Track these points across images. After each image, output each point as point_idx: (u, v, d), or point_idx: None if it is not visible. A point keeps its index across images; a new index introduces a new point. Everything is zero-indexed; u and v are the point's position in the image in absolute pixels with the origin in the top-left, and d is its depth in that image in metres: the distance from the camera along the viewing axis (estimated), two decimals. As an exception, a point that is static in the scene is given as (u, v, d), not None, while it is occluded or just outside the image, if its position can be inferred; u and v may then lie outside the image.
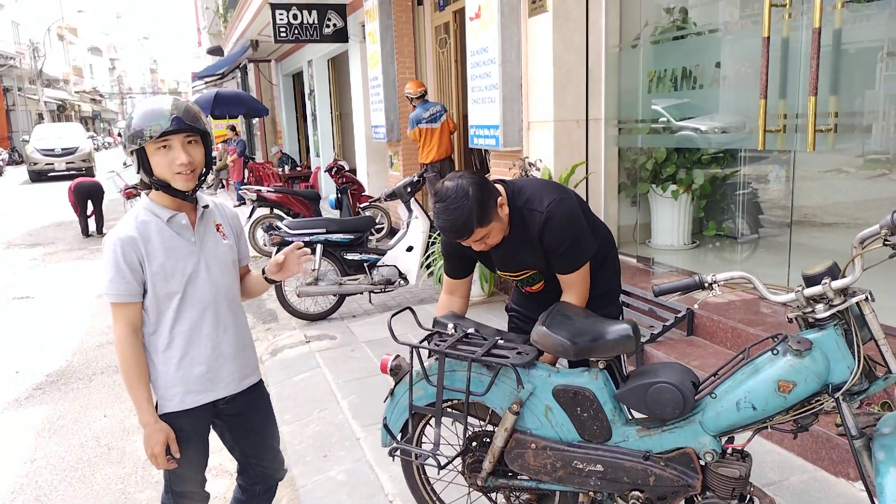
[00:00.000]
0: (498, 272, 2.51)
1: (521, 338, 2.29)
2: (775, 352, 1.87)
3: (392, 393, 2.39)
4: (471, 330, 2.29)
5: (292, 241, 5.44)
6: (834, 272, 1.79)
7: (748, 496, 2.02)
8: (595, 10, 5.06)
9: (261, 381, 2.27)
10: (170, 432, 2.00)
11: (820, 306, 1.80)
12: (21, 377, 4.93)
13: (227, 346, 2.10)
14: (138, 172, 1.96)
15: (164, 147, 1.90)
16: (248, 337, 2.21)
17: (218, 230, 2.12)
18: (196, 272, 2.02)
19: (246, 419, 2.21)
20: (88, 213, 11.10)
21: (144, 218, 1.98)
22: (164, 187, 1.95)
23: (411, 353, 2.25)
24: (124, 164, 12.11)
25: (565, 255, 2.27)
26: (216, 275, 2.07)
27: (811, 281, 1.81)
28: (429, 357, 2.29)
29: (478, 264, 2.59)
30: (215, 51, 21.10)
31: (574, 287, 2.34)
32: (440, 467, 2.22)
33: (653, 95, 5.04)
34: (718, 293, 1.94)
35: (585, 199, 5.25)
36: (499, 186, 2.29)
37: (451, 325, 2.30)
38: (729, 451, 2.01)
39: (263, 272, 2.25)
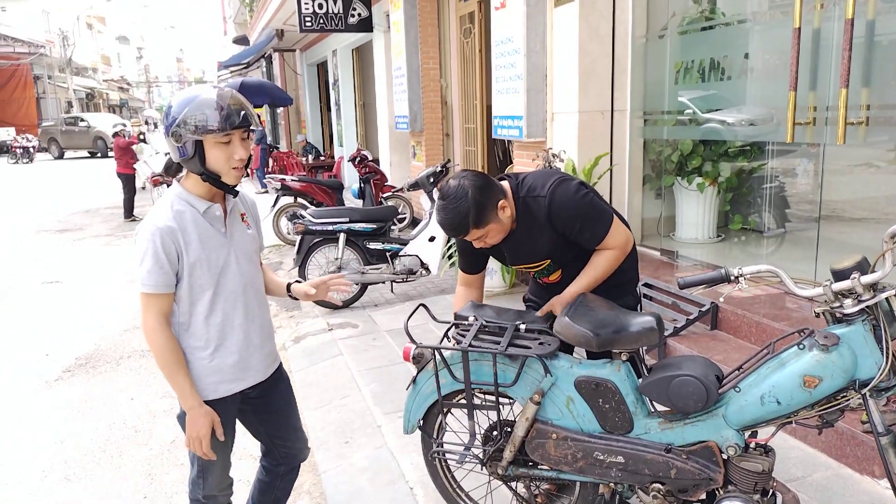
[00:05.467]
0: (512, 266, 2.54)
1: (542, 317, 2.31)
2: (801, 346, 1.85)
3: (414, 381, 2.41)
4: (487, 319, 2.31)
5: (316, 230, 5.53)
6: (863, 267, 1.77)
7: (771, 491, 2.01)
8: (622, 0, 5.01)
9: (281, 365, 2.31)
10: (215, 416, 2.00)
11: (848, 301, 1.78)
12: (50, 359, 5.04)
13: (256, 335, 2.13)
14: (191, 159, 1.90)
15: (225, 142, 1.89)
16: (270, 326, 2.25)
17: (243, 219, 2.14)
18: (227, 264, 2.02)
19: (269, 401, 2.25)
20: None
21: (180, 207, 1.96)
22: (214, 179, 1.94)
23: (433, 354, 2.27)
24: (166, 153, 12.34)
25: (586, 228, 2.26)
26: (244, 266, 2.08)
27: (840, 275, 1.79)
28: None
29: None
30: (241, 40, 21.26)
31: (611, 247, 2.31)
32: (483, 463, 2.29)
33: (679, 87, 4.98)
34: (744, 287, 1.93)
35: (609, 191, 5.22)
36: (505, 184, 2.33)
37: (471, 318, 2.32)
38: (752, 445, 2.00)
39: (289, 289, 2.28)
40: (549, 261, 2.41)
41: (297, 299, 2.31)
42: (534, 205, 2.27)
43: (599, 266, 2.32)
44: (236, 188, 2.03)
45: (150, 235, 1.90)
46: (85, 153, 29.57)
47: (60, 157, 28.48)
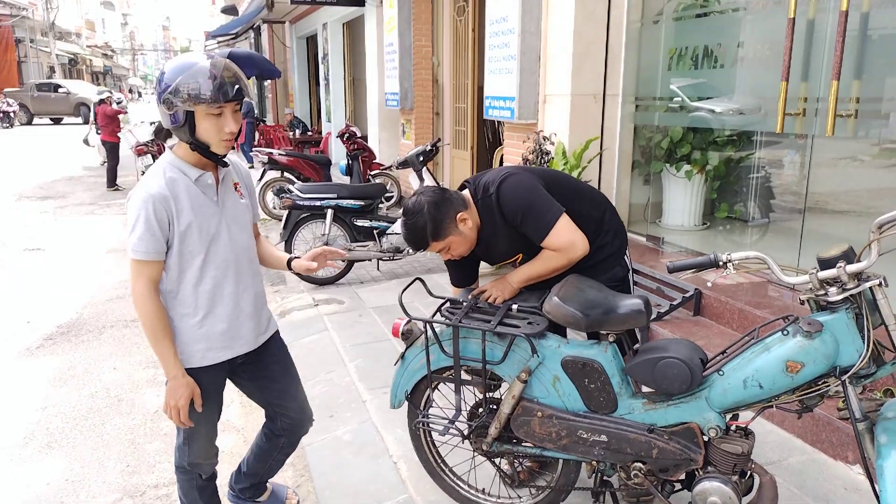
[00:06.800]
0: (493, 265, 2.60)
1: (534, 295, 2.33)
2: (785, 332, 1.88)
3: (403, 356, 2.43)
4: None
5: (303, 205, 5.50)
6: (849, 256, 1.80)
7: (749, 472, 2.06)
8: (618, -16, 4.99)
9: (277, 333, 2.32)
10: (195, 387, 2.02)
11: (833, 289, 1.81)
12: (32, 327, 5.00)
13: (247, 304, 2.14)
14: (181, 127, 1.90)
15: (217, 114, 1.88)
16: (263, 296, 2.26)
17: (236, 189, 2.13)
18: (218, 233, 2.02)
19: (264, 368, 2.26)
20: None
21: (172, 175, 1.96)
22: (202, 149, 1.94)
23: (425, 326, 2.29)
24: (151, 123, 12.21)
25: (528, 221, 2.29)
26: (236, 235, 2.09)
27: (826, 264, 1.82)
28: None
29: None
30: (230, 10, 20.89)
31: (553, 248, 2.31)
32: (467, 438, 2.33)
33: (672, 73, 4.99)
34: (732, 272, 1.95)
35: (598, 176, 5.24)
36: (466, 192, 2.39)
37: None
38: (733, 428, 2.04)
39: (289, 264, 2.29)
40: (521, 255, 2.45)
41: (298, 274, 2.32)
42: (489, 203, 2.33)
43: (536, 267, 2.35)
44: (225, 158, 2.03)
45: (142, 202, 1.89)
46: (48, 120, 29.41)
47: (29, 122, 28.30)
